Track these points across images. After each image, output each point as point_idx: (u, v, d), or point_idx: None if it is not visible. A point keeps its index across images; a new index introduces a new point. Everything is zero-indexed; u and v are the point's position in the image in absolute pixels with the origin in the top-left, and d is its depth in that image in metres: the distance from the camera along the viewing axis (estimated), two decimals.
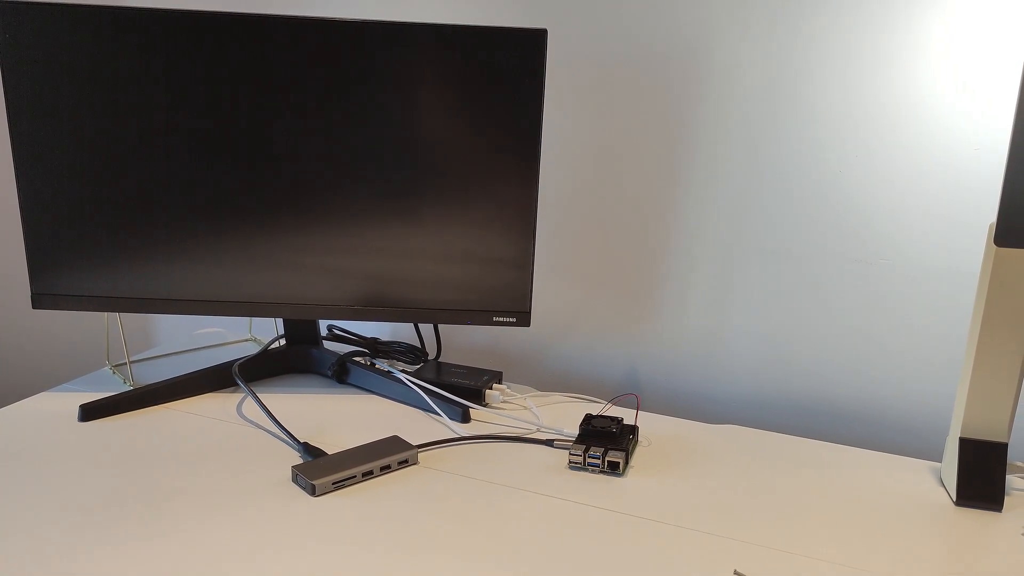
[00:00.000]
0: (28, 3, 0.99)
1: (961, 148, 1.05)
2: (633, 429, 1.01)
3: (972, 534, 0.85)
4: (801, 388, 1.20)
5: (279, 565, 0.75)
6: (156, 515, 0.83)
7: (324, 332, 1.27)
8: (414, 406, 1.11)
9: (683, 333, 1.24)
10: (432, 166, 1.07)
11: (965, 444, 0.92)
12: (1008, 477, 0.97)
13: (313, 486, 0.87)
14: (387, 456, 0.93)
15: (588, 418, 1.01)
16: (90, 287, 1.09)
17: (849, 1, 1.06)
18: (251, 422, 1.05)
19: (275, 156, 1.06)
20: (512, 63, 1.03)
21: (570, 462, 0.96)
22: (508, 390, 1.16)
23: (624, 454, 0.95)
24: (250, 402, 1.10)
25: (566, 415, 1.10)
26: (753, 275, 1.18)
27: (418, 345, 1.24)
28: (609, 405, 1.13)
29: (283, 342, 1.23)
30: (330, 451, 0.95)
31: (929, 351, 1.12)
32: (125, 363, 1.23)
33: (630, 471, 0.96)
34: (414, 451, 0.96)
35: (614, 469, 0.95)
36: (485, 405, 1.12)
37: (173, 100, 1.03)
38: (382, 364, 1.21)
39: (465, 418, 1.07)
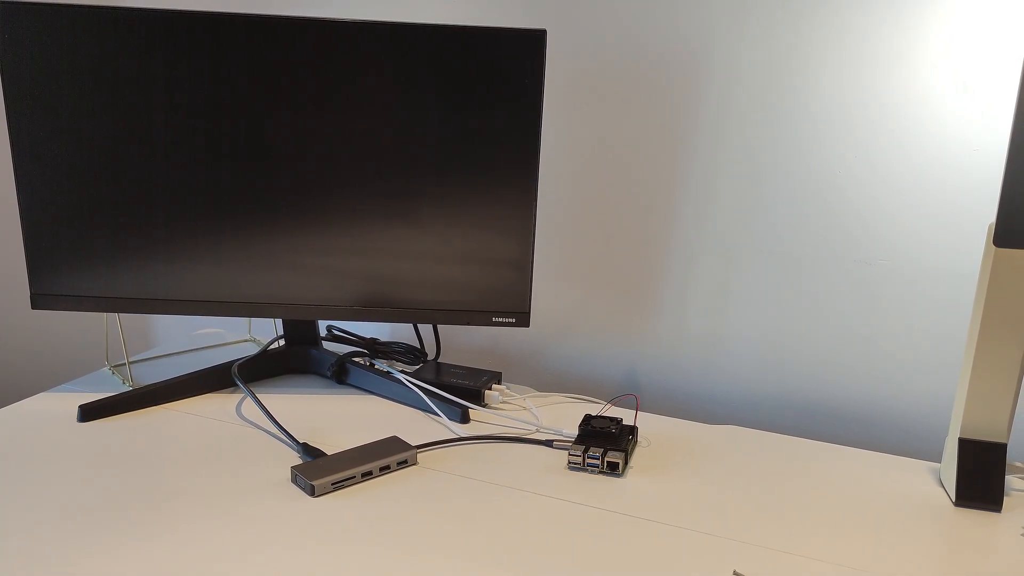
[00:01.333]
0: (28, 3, 0.99)
1: (960, 149, 1.05)
2: (632, 429, 1.01)
3: (971, 534, 0.85)
4: (800, 389, 1.20)
5: (278, 566, 0.75)
6: (155, 515, 0.83)
7: (323, 332, 1.27)
8: (413, 407, 1.11)
9: (682, 334, 1.24)
10: (432, 166, 1.07)
11: (964, 445, 0.92)
12: (1007, 477, 0.97)
13: (312, 487, 0.87)
14: (386, 457, 0.93)
15: (587, 418, 1.01)
16: (89, 287, 1.09)
17: (849, 2, 1.06)
18: (250, 422, 1.05)
19: (275, 156, 1.06)
20: (512, 63, 1.03)
21: (569, 462, 0.96)
22: (507, 391, 1.16)
23: (623, 454, 0.95)
24: (249, 402, 1.10)
25: (565, 415, 1.10)
26: (752, 276, 1.18)
27: (417, 346, 1.24)
28: (608, 405, 1.13)
29: (282, 343, 1.23)
30: (329, 452, 0.95)
31: (928, 352, 1.12)
32: (124, 363, 1.22)
33: (629, 471, 0.96)
34: (413, 451, 0.96)
35: (613, 469, 0.95)
36: (484, 406, 1.12)
37: (173, 100, 1.03)
38: (381, 365, 1.21)
39: (464, 419, 1.07)
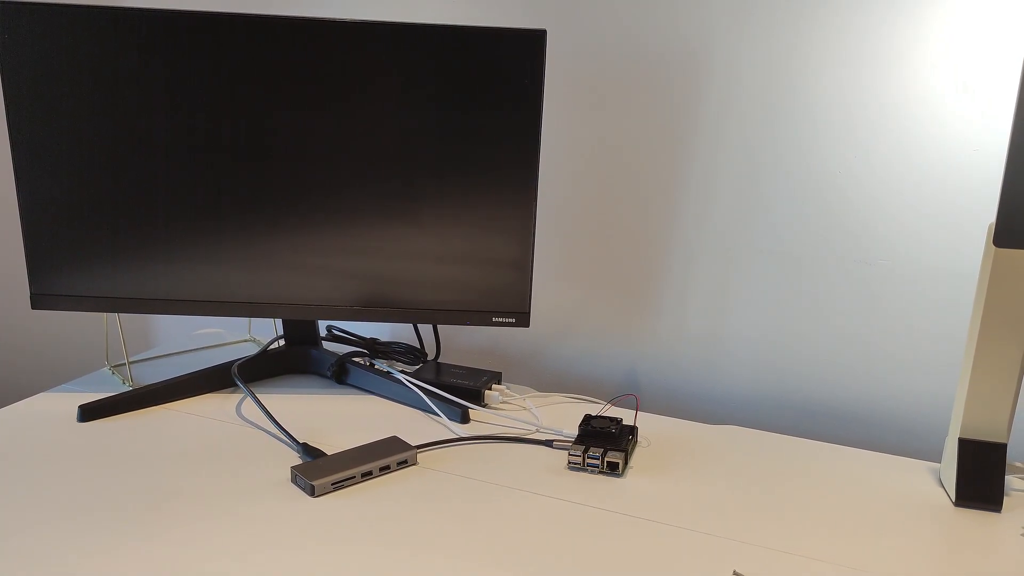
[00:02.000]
0: (28, 3, 0.99)
1: (961, 149, 1.05)
2: (632, 429, 1.01)
3: (971, 534, 0.85)
4: (800, 389, 1.20)
5: (278, 566, 0.75)
6: (155, 515, 0.83)
7: (323, 332, 1.27)
8: (413, 407, 1.11)
9: (682, 333, 1.24)
10: (431, 166, 1.07)
11: (964, 445, 0.92)
12: (1007, 477, 0.97)
13: (312, 487, 0.87)
14: (386, 457, 0.93)
15: (587, 419, 1.01)
16: (89, 287, 1.09)
17: (849, 2, 1.06)
18: (250, 423, 1.05)
19: (274, 156, 1.06)
20: (512, 64, 1.03)
21: (569, 463, 0.96)
22: (507, 391, 1.15)
23: (623, 454, 0.95)
24: (249, 402, 1.10)
25: (565, 416, 1.10)
26: (752, 276, 1.18)
27: (417, 346, 1.24)
28: (608, 405, 1.13)
29: (282, 343, 1.22)
30: (329, 452, 0.95)
31: (928, 352, 1.12)
32: (124, 363, 1.22)
33: (629, 472, 0.96)
34: (413, 452, 0.96)
35: (613, 469, 0.95)
36: (484, 406, 1.12)
37: (173, 100, 1.03)
38: (381, 365, 1.21)
39: (464, 419, 1.07)
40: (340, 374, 1.18)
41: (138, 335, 1.60)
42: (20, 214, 1.05)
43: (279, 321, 1.29)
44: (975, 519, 0.89)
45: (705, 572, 0.77)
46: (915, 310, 1.11)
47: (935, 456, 1.13)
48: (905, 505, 0.91)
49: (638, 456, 1.00)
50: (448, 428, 1.06)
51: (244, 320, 1.43)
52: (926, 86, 1.05)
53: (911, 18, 1.04)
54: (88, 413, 1.03)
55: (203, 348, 1.33)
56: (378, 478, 0.92)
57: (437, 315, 1.12)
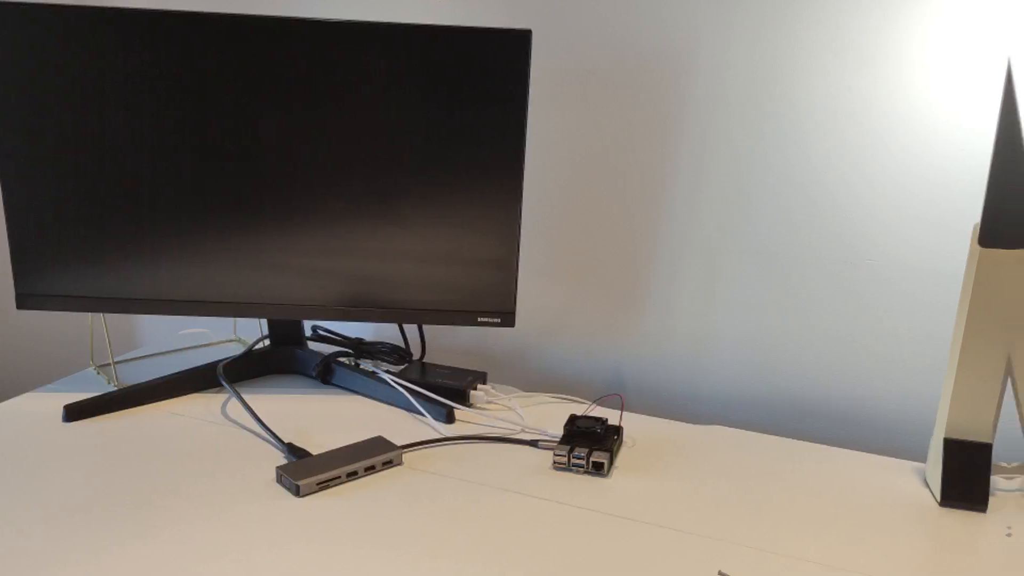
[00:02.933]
0: (19, 3, 0.98)
1: (946, 149, 1.05)
2: (617, 430, 1.01)
3: (956, 534, 0.86)
4: (786, 389, 1.20)
5: (264, 565, 0.75)
6: (140, 516, 0.82)
7: (308, 332, 1.26)
8: (398, 407, 1.11)
9: (668, 333, 1.24)
10: (417, 167, 1.06)
11: (950, 445, 0.92)
12: (992, 478, 0.97)
13: (298, 486, 0.87)
14: (372, 457, 0.93)
15: (572, 419, 1.01)
16: (75, 287, 1.08)
17: (836, 1, 1.06)
18: (235, 423, 1.04)
19: (261, 156, 1.05)
20: (497, 64, 1.03)
21: (554, 463, 0.96)
22: (492, 391, 1.15)
23: (608, 455, 0.95)
24: (234, 403, 1.10)
25: (550, 416, 1.10)
26: (738, 276, 1.18)
27: (402, 345, 1.24)
28: (593, 406, 1.12)
29: (267, 343, 1.22)
30: (315, 452, 0.95)
31: (913, 352, 1.12)
32: (109, 363, 1.22)
33: (614, 472, 0.96)
34: (398, 451, 0.95)
35: (598, 470, 0.95)
36: (469, 406, 1.12)
37: (158, 100, 1.03)
38: (366, 364, 1.21)
39: (449, 419, 1.07)
40: (325, 374, 1.18)
41: (123, 335, 1.59)
42: (5, 214, 1.05)
43: (264, 321, 1.28)
44: (960, 519, 0.89)
45: (690, 572, 0.77)
46: (901, 310, 1.12)
47: (920, 456, 1.13)
48: (890, 505, 0.91)
49: (623, 456, 1.00)
50: (433, 428, 1.05)
51: (229, 320, 1.42)
52: (911, 86, 1.05)
53: (897, 18, 1.04)
54: (73, 413, 1.03)
55: (188, 348, 1.32)
56: (363, 478, 0.92)
57: (422, 315, 1.12)
